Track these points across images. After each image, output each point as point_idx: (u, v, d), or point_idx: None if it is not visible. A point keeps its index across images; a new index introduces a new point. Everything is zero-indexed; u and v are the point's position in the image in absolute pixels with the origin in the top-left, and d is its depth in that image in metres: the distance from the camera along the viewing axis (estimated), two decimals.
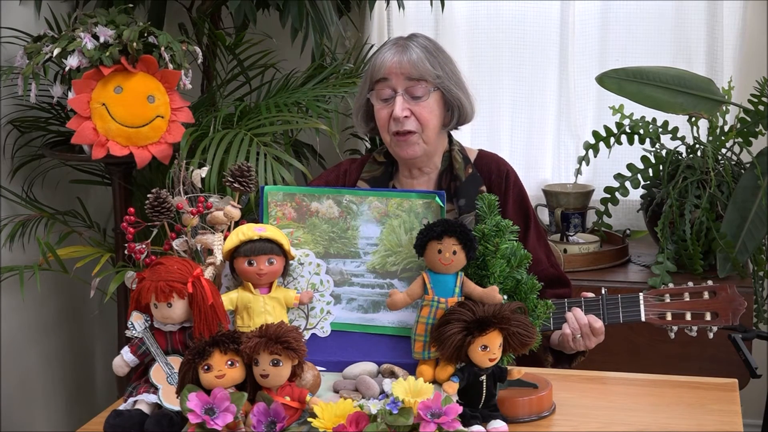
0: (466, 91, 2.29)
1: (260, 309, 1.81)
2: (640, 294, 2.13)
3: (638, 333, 2.86)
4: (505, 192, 2.30)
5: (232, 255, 1.81)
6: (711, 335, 2.13)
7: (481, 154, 2.37)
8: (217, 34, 3.04)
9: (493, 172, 2.32)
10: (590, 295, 2.17)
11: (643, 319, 2.12)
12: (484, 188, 2.29)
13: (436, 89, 2.22)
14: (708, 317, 2.09)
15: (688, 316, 2.10)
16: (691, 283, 2.14)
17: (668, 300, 2.12)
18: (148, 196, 1.87)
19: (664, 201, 2.92)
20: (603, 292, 2.16)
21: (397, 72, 2.20)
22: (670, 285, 2.14)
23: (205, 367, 1.59)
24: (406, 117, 2.19)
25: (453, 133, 2.35)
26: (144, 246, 1.87)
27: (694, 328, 2.11)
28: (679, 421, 1.74)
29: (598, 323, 2.11)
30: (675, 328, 2.12)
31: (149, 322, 1.74)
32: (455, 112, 2.27)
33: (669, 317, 2.10)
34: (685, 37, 3.31)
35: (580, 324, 2.11)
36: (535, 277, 1.92)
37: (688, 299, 2.11)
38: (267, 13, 3.07)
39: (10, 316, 2.89)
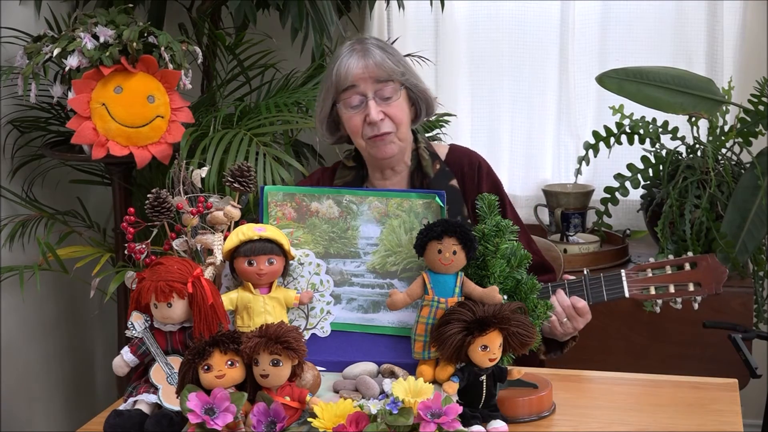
0: (424, 83, 2.29)
1: (260, 309, 1.81)
2: (622, 271, 2.14)
3: (638, 333, 2.86)
4: (479, 183, 2.30)
5: (232, 255, 1.81)
6: (696, 306, 2.14)
7: (453, 148, 2.37)
8: (217, 34, 3.04)
9: (465, 165, 2.32)
10: (572, 277, 2.18)
11: (626, 294, 2.12)
12: (454, 182, 2.29)
13: (402, 87, 2.22)
14: (691, 288, 2.09)
15: (672, 288, 2.10)
16: (671, 256, 2.14)
17: (650, 274, 2.12)
18: (148, 196, 1.87)
19: (664, 201, 2.92)
20: (585, 272, 2.16)
21: (365, 77, 2.18)
22: (651, 260, 2.14)
23: (205, 367, 1.59)
24: (381, 120, 2.18)
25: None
26: (144, 246, 1.87)
27: (679, 300, 2.12)
28: (679, 421, 1.73)
29: (581, 302, 2.11)
30: (659, 301, 2.12)
31: (149, 322, 1.73)
32: (422, 105, 2.27)
33: (652, 291, 2.11)
34: (685, 37, 3.31)
35: (563, 306, 2.11)
36: (535, 277, 1.92)
37: (670, 272, 2.11)
38: (267, 13, 3.07)
39: (10, 316, 2.89)
